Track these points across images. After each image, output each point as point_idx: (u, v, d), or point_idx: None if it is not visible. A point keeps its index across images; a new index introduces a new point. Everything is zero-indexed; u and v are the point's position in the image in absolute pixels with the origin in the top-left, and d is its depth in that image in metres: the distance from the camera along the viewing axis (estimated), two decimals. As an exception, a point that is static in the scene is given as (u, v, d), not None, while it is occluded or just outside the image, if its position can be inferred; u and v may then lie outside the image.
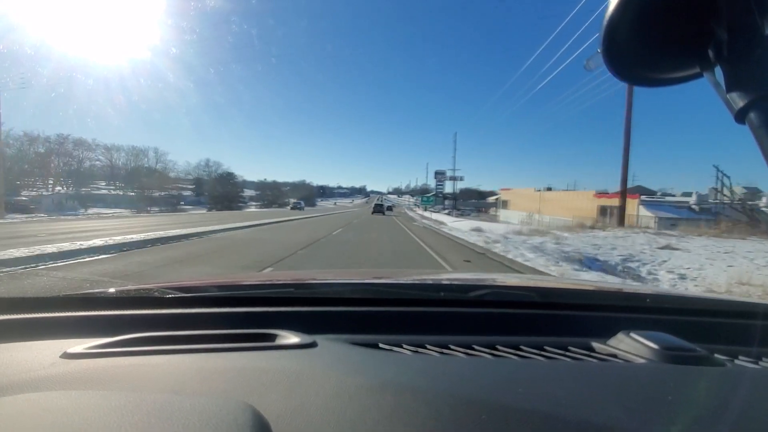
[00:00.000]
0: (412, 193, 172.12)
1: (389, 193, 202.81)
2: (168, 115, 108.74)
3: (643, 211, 23.22)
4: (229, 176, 67.99)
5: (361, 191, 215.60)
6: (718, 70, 0.33)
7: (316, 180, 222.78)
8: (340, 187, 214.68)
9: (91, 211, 37.73)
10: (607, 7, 0.34)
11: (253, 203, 74.38)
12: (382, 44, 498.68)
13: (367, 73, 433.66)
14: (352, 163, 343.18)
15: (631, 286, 2.36)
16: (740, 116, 0.31)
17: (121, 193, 54.10)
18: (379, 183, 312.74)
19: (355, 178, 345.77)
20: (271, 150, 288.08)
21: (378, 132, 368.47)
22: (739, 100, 0.31)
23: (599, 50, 0.37)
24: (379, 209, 41.91)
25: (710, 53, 0.34)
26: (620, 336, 0.65)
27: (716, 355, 0.60)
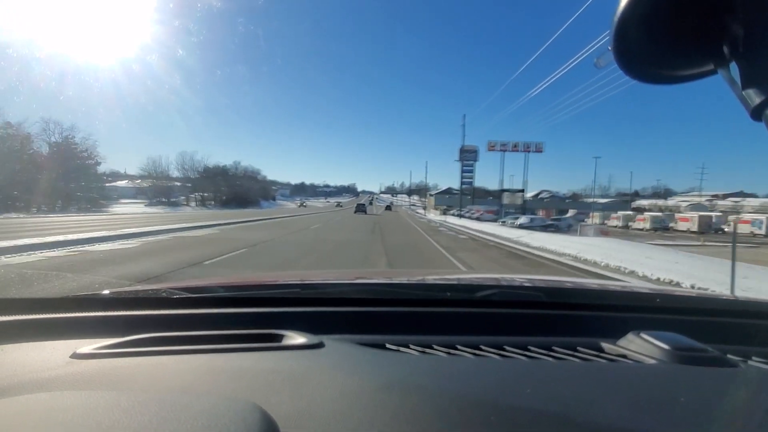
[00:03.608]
0: (409, 192, 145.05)
1: (382, 192, 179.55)
2: (160, 112, 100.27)
3: None
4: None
5: (350, 190, 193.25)
6: (734, 67, 0.33)
7: (302, 178, 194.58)
8: (327, 186, 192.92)
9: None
10: (617, 3, 0.33)
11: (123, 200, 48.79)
12: (374, 39, 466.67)
13: (359, 70, 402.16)
14: (342, 162, 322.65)
15: (641, 285, 2.24)
16: (756, 113, 0.31)
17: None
18: (370, 182, 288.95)
19: (346, 177, 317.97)
20: (261, 148, 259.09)
21: (370, 129, 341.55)
22: (755, 97, 0.31)
23: (610, 48, 0.36)
24: (361, 209, 39.58)
25: (725, 49, 0.33)
26: (630, 336, 0.65)
27: (729, 356, 0.60)
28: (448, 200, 70.31)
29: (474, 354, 0.61)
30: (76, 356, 0.57)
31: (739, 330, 0.76)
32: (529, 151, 45.66)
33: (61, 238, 9.67)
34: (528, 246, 12.67)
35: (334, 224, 20.17)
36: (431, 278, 1.22)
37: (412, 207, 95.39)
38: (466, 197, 48.37)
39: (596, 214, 48.40)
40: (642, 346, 0.61)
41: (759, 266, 9.47)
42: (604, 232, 24.46)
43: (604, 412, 0.43)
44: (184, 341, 0.62)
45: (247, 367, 0.53)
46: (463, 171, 46.05)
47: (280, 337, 0.64)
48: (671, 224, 39.68)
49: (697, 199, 70.96)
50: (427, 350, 0.62)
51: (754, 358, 0.62)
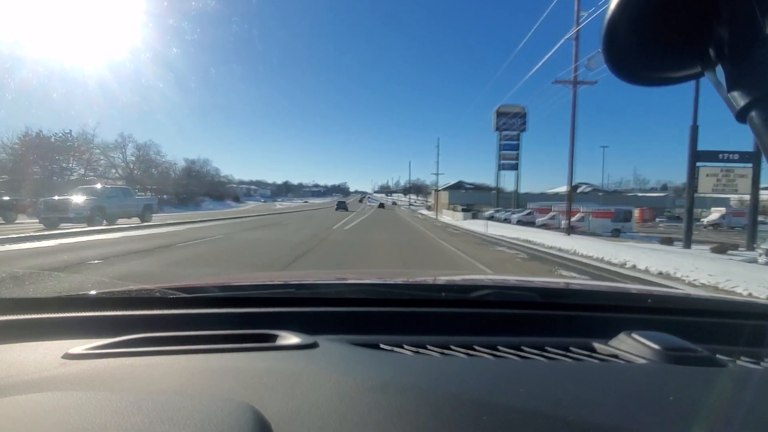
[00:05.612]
0: (406, 190, 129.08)
1: (376, 191, 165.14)
2: (148, 112, 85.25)
3: None
4: None
5: (341, 189, 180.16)
6: (720, 70, 0.33)
7: (294, 178, 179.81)
8: (317, 185, 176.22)
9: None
10: (607, 6, 0.34)
11: None
12: (365, 37, 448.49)
13: (350, 67, 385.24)
14: (333, 161, 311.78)
15: (632, 286, 2.21)
16: (741, 115, 0.31)
17: None
18: (363, 181, 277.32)
19: (337, 177, 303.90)
20: (251, 148, 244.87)
21: (362, 127, 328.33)
22: (740, 100, 0.31)
23: (599, 50, 0.36)
24: (342, 206, 39.67)
25: (711, 52, 0.34)
26: (622, 336, 0.66)
27: (718, 356, 0.62)
28: (463, 197, 53.79)
29: (467, 354, 0.62)
30: (68, 356, 0.57)
31: (728, 330, 0.77)
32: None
33: None
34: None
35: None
36: (426, 278, 1.21)
37: (411, 207, 79.43)
38: (501, 194, 31.16)
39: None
40: (633, 346, 0.62)
41: None
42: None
43: (595, 412, 0.43)
44: (177, 341, 0.62)
45: (240, 368, 0.53)
46: (502, 148, 28.81)
47: (274, 338, 0.64)
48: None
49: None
50: (421, 350, 0.63)
51: (742, 358, 0.63)
